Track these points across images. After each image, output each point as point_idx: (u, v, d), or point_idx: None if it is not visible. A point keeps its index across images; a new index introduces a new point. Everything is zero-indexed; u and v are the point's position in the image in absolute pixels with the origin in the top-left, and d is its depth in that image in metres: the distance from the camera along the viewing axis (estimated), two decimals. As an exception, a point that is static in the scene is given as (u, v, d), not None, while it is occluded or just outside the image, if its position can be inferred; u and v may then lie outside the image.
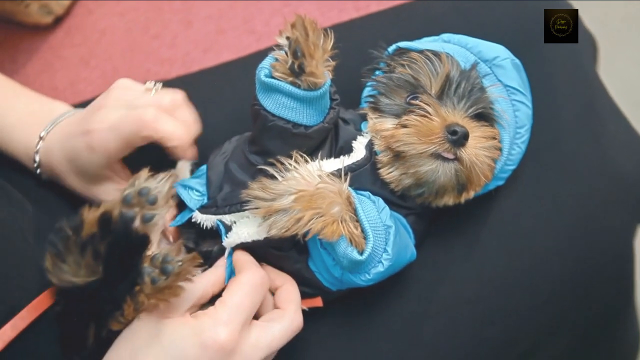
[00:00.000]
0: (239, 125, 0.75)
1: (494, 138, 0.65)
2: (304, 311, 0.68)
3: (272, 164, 0.64)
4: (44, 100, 0.79)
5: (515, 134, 0.68)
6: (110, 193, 0.75)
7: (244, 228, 0.65)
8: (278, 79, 0.64)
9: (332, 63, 0.65)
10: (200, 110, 0.77)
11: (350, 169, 0.65)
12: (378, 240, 0.62)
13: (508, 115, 0.67)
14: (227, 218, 0.67)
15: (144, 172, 0.64)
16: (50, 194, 0.78)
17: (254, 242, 0.65)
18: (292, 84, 0.63)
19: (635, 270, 0.83)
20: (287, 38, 0.63)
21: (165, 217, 0.66)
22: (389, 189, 0.67)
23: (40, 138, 0.74)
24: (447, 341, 0.71)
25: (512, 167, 0.69)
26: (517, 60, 0.69)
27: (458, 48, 0.69)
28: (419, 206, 0.68)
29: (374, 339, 0.71)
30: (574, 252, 0.72)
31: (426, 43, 0.71)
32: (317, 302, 0.69)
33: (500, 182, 0.69)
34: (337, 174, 0.64)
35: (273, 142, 0.65)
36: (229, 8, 0.96)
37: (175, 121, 0.73)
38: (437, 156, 0.63)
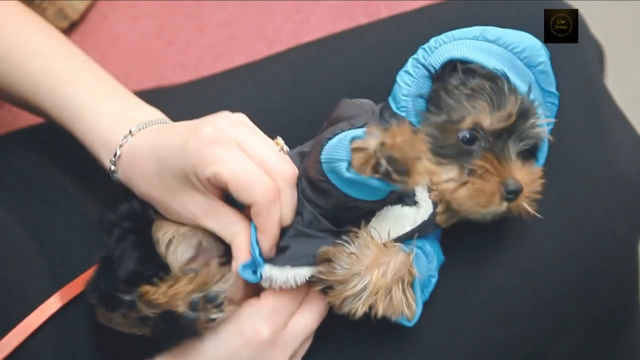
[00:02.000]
0: None
1: (540, 177, 0.65)
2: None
3: (341, 236, 0.62)
4: (139, 102, 0.73)
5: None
6: (194, 205, 0.64)
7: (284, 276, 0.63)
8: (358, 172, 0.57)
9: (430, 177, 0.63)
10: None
11: (419, 228, 0.64)
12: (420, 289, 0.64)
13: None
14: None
15: (214, 270, 0.63)
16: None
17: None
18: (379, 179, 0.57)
19: (638, 274, 0.84)
20: (383, 144, 0.55)
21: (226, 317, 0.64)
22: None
23: (130, 133, 0.67)
24: (451, 343, 0.71)
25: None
26: (548, 52, 0.69)
27: (507, 54, 0.66)
28: None
29: (378, 342, 0.72)
30: (577, 254, 0.73)
31: (473, 49, 0.66)
32: None
33: None
34: (403, 237, 0.63)
35: (350, 215, 0.62)
36: (242, 14, 0.98)
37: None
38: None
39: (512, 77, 0.64)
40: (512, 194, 0.62)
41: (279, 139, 0.66)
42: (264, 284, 0.62)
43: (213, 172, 0.60)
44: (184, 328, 0.61)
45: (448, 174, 0.64)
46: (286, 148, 0.66)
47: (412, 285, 0.62)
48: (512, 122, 0.63)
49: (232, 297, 0.62)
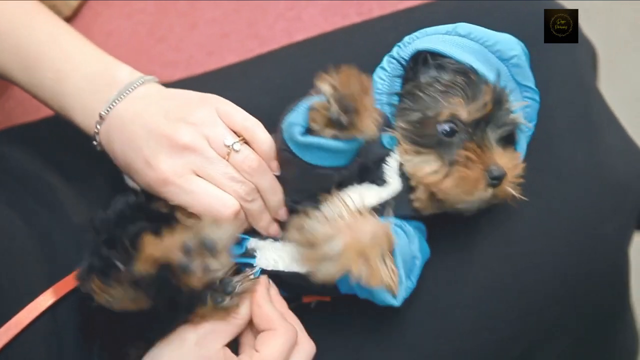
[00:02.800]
0: None
1: (519, 163, 0.66)
2: (310, 306, 0.69)
3: (308, 203, 0.64)
4: (108, 62, 0.73)
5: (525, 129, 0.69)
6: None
7: (271, 253, 0.66)
8: (315, 132, 0.62)
9: (379, 116, 0.63)
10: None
11: (388, 201, 0.66)
12: (405, 270, 0.63)
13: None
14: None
15: (208, 219, 0.62)
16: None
17: (289, 273, 0.65)
18: (334, 137, 0.61)
19: (630, 276, 0.83)
20: (334, 88, 0.60)
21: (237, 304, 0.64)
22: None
23: (101, 117, 0.69)
24: (440, 345, 0.71)
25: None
26: (527, 50, 0.70)
27: (478, 47, 0.68)
28: None
29: (366, 344, 0.72)
30: (566, 257, 0.73)
31: (445, 43, 0.68)
32: (325, 297, 0.69)
33: None
34: (378, 207, 0.64)
35: (313, 184, 0.65)
36: (234, 12, 0.98)
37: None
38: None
39: (483, 69, 0.66)
40: (496, 180, 0.63)
41: (227, 141, 0.67)
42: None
43: (176, 204, 0.66)
44: (181, 290, 0.57)
45: (431, 166, 0.65)
46: (237, 146, 0.67)
47: (392, 254, 0.61)
48: (489, 111, 0.64)
49: (228, 244, 0.60)
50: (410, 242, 0.64)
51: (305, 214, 0.61)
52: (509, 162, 0.64)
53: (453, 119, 0.64)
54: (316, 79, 0.61)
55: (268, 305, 0.65)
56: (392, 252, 0.61)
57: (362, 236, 0.59)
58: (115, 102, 0.69)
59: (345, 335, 0.73)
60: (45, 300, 0.65)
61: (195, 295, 0.60)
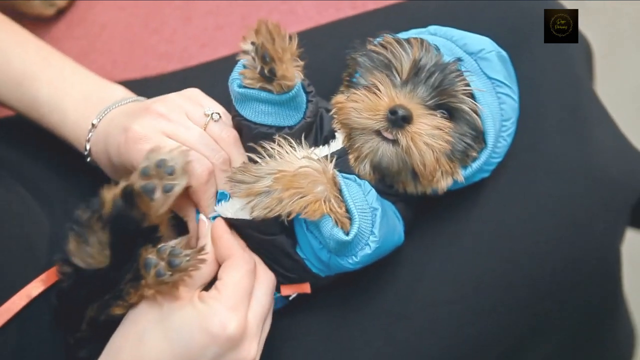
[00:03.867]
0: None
1: (441, 129, 0.65)
2: (290, 299, 0.69)
3: (255, 150, 0.66)
4: (101, 83, 0.77)
5: (501, 127, 0.68)
6: None
7: (231, 205, 0.67)
8: (249, 87, 0.65)
9: (301, 63, 0.66)
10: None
11: (336, 153, 0.66)
12: (364, 222, 0.62)
13: (493, 108, 0.67)
14: None
15: (158, 147, 0.64)
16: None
17: (239, 220, 0.66)
18: (264, 89, 0.65)
19: (621, 274, 0.83)
20: (253, 43, 0.64)
21: (182, 186, 0.65)
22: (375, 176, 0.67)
23: (93, 126, 0.72)
24: (425, 340, 0.71)
25: (498, 160, 0.70)
26: (504, 53, 0.70)
27: (444, 41, 0.69)
28: (404, 194, 0.68)
29: (351, 338, 0.72)
30: (554, 254, 0.73)
31: (412, 34, 0.71)
32: (305, 288, 0.69)
33: (486, 175, 0.70)
34: (322, 159, 0.64)
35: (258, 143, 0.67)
36: (228, 5, 0.97)
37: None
38: (378, 134, 0.65)
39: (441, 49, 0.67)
40: (395, 116, 0.63)
41: (207, 110, 0.70)
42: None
43: (143, 167, 0.65)
44: (142, 219, 0.59)
45: (344, 94, 0.68)
46: (216, 116, 0.70)
47: (341, 193, 0.62)
48: (422, 74, 0.65)
49: (184, 168, 0.63)
50: (365, 194, 0.64)
51: (252, 161, 0.64)
52: (428, 121, 0.65)
53: (390, 69, 0.67)
54: (241, 41, 0.65)
55: (227, 235, 0.66)
56: (339, 191, 0.62)
57: (294, 169, 0.60)
58: (107, 111, 0.72)
59: (331, 329, 0.73)
60: (35, 287, 0.66)
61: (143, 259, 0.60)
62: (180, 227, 0.71)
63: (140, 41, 0.98)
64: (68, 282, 0.64)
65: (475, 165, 0.68)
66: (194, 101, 0.71)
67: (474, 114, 0.66)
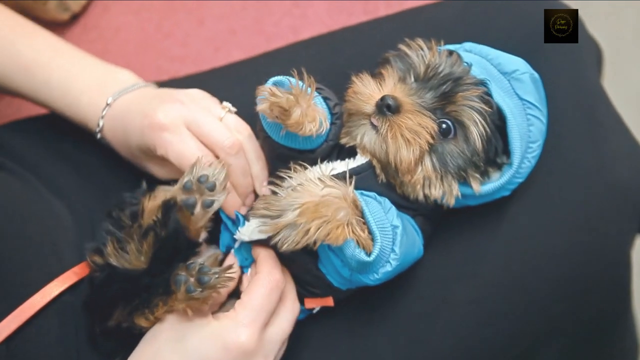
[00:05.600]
0: (248, 125, 0.77)
1: (423, 127, 0.66)
2: (313, 312, 0.70)
3: (271, 182, 0.67)
4: (111, 68, 0.80)
5: (527, 148, 0.68)
6: (156, 170, 0.77)
7: (247, 228, 0.68)
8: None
9: (322, 111, 0.66)
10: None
11: (354, 172, 0.67)
12: (385, 240, 0.63)
13: (522, 128, 0.67)
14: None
15: (200, 160, 0.66)
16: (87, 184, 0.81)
17: (260, 241, 0.67)
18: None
19: (631, 279, 0.84)
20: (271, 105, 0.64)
21: (221, 202, 0.67)
22: (395, 191, 0.68)
23: (107, 104, 0.75)
24: (445, 341, 0.72)
25: (520, 180, 0.69)
26: (537, 75, 0.70)
27: (478, 58, 0.70)
28: (424, 207, 0.69)
29: (373, 338, 0.73)
30: (570, 257, 0.73)
31: (447, 48, 0.71)
32: (329, 301, 0.70)
33: (506, 193, 0.70)
34: (341, 176, 0.65)
35: (282, 164, 0.68)
36: (241, 8, 0.98)
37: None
38: (368, 119, 0.67)
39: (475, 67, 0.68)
40: (384, 105, 0.65)
41: (225, 103, 0.74)
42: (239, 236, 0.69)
43: (161, 154, 0.70)
44: (183, 231, 0.61)
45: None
46: (233, 109, 0.74)
47: (363, 215, 0.63)
48: (434, 80, 0.67)
49: (224, 184, 0.65)
50: (386, 212, 0.65)
51: (271, 192, 0.65)
52: (415, 117, 0.65)
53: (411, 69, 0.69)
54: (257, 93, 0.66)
55: (264, 252, 0.68)
56: (361, 213, 0.63)
57: (317, 199, 0.61)
58: (124, 93, 0.76)
59: (352, 327, 0.73)
60: (57, 285, 0.67)
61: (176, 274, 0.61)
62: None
63: (153, 45, 1.00)
64: (101, 274, 0.65)
65: (497, 183, 0.68)
66: (207, 98, 0.75)
67: (476, 135, 0.66)
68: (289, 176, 0.65)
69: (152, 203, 0.63)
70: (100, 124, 0.76)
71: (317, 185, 0.63)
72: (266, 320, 0.65)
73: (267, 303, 0.65)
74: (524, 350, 0.76)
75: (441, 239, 0.73)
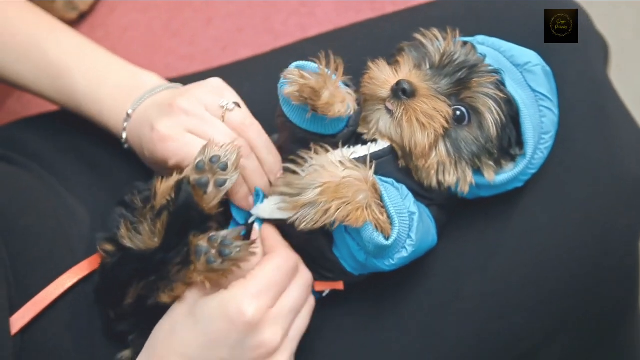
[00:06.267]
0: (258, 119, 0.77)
1: (438, 112, 0.66)
2: (322, 295, 0.70)
3: (293, 161, 0.67)
4: (134, 71, 0.79)
5: (540, 139, 0.69)
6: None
7: (267, 205, 0.68)
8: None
9: (351, 92, 0.67)
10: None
11: (375, 156, 0.67)
12: (403, 226, 0.63)
13: (535, 120, 0.68)
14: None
15: (212, 142, 0.66)
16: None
17: (277, 220, 0.67)
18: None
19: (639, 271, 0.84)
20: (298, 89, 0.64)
21: (233, 181, 0.67)
22: (413, 179, 0.68)
23: (128, 115, 0.75)
24: (457, 333, 0.72)
25: (533, 171, 0.70)
26: (548, 68, 0.71)
27: (491, 51, 0.70)
28: (439, 196, 0.69)
29: (386, 328, 0.73)
30: (580, 250, 0.74)
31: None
32: (339, 285, 0.70)
33: (519, 184, 0.71)
34: (361, 160, 0.66)
35: (302, 147, 0.68)
36: (248, 7, 0.99)
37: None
38: (383, 103, 0.67)
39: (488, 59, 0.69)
40: (399, 89, 0.65)
41: (221, 102, 0.72)
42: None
43: (175, 163, 0.69)
44: (188, 209, 0.62)
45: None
46: (231, 106, 0.72)
47: (381, 199, 0.63)
48: (449, 68, 0.67)
49: (236, 163, 0.65)
50: (403, 199, 0.65)
51: (291, 171, 0.65)
52: (431, 102, 0.66)
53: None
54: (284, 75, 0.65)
55: (274, 234, 0.67)
56: (380, 197, 0.63)
57: (338, 180, 0.61)
58: (142, 101, 0.75)
59: (364, 319, 0.74)
60: (70, 276, 0.68)
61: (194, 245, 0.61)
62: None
63: (161, 43, 1.00)
64: (112, 259, 0.65)
65: (511, 173, 0.68)
66: (215, 92, 0.73)
67: (490, 122, 0.67)
68: (310, 157, 0.66)
69: (164, 185, 0.64)
70: (124, 136, 0.76)
71: (338, 167, 0.63)
72: (276, 296, 0.64)
73: (280, 281, 0.64)
74: (534, 343, 0.76)
75: (453, 232, 0.73)
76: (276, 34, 0.97)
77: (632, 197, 0.76)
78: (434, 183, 0.68)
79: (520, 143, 0.69)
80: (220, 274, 0.62)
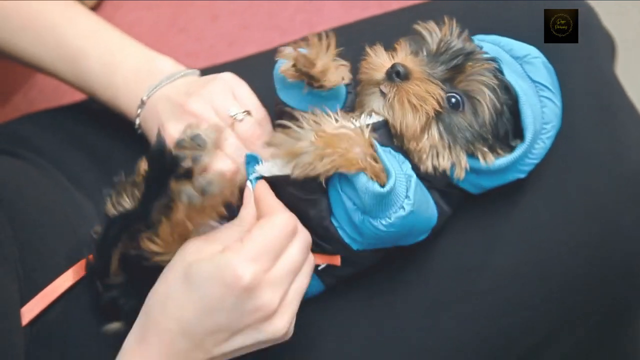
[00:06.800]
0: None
1: (430, 94, 0.66)
2: (318, 269, 0.69)
3: (292, 118, 0.67)
4: (151, 56, 0.79)
5: (541, 129, 0.68)
6: None
7: (265, 165, 0.69)
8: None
9: (345, 63, 0.68)
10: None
11: (372, 127, 0.67)
12: (400, 184, 0.63)
13: (535, 108, 0.68)
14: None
15: (195, 123, 0.66)
16: None
17: (278, 177, 0.67)
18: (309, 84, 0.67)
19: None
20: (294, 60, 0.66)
21: (210, 159, 0.65)
22: (408, 157, 0.68)
23: (142, 102, 0.75)
24: (463, 330, 0.72)
25: (535, 161, 0.69)
26: (550, 65, 0.71)
27: (491, 45, 0.71)
28: (437, 181, 0.69)
29: (393, 326, 0.73)
30: (585, 246, 0.74)
31: None
32: (335, 260, 0.68)
33: (522, 175, 0.70)
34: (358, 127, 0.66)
35: None
36: (254, 3, 0.99)
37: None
38: (378, 87, 0.68)
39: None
40: (393, 71, 0.66)
41: (231, 111, 0.72)
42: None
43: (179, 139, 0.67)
44: (177, 172, 0.62)
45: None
46: (240, 116, 0.72)
47: (376, 152, 0.63)
48: (445, 55, 0.68)
49: (217, 142, 0.66)
50: (400, 164, 0.65)
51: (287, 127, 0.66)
52: (424, 84, 0.66)
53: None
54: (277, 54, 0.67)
55: (270, 196, 0.66)
56: (375, 152, 0.63)
57: (337, 133, 0.62)
58: (157, 89, 0.75)
59: (374, 316, 0.74)
60: (77, 270, 0.68)
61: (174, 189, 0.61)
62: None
63: (167, 40, 1.00)
64: (101, 231, 0.65)
65: (510, 157, 0.68)
66: (228, 90, 0.73)
67: (485, 107, 0.67)
68: (304, 116, 0.66)
69: (145, 163, 0.64)
70: (137, 122, 0.76)
71: (332, 122, 0.64)
72: (274, 258, 0.61)
73: (278, 244, 0.61)
74: (540, 339, 0.76)
75: (459, 228, 0.73)
76: (282, 31, 0.97)
77: (638, 193, 0.76)
78: (430, 168, 0.67)
79: (520, 136, 0.68)
80: (200, 212, 0.61)
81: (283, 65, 0.66)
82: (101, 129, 0.81)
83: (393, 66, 0.66)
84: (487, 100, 0.67)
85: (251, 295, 0.59)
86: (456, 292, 0.72)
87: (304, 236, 0.64)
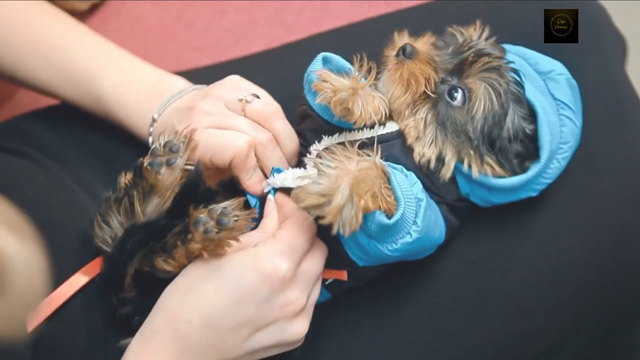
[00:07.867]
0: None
1: (423, 74, 0.67)
2: (325, 283, 0.69)
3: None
4: (160, 75, 0.79)
5: (558, 148, 0.67)
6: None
7: (283, 176, 0.69)
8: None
9: (382, 97, 0.67)
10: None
11: (382, 139, 0.67)
12: (409, 210, 0.62)
13: (553, 127, 0.67)
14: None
15: (168, 132, 0.68)
16: None
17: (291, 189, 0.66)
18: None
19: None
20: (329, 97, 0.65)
21: (185, 160, 0.68)
22: (421, 170, 0.67)
23: (154, 120, 0.75)
24: (473, 334, 0.72)
25: (548, 181, 0.68)
26: (574, 81, 0.70)
27: (515, 57, 0.70)
28: (449, 194, 0.68)
29: (400, 330, 0.73)
30: (598, 250, 0.73)
31: None
32: (342, 275, 0.69)
33: (534, 194, 0.68)
34: (369, 142, 0.66)
35: (315, 136, 0.69)
36: (262, -1, 0.99)
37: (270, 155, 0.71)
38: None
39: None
40: (404, 52, 0.67)
41: (239, 95, 0.72)
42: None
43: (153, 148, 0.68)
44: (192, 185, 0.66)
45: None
46: (250, 98, 0.72)
47: (388, 181, 0.63)
48: (466, 54, 0.68)
49: (189, 145, 0.68)
50: (411, 185, 0.64)
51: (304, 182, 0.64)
52: (422, 66, 0.67)
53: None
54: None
55: (290, 202, 0.66)
56: (387, 179, 0.63)
57: (359, 175, 0.61)
58: (167, 105, 0.75)
59: (382, 319, 0.73)
60: (83, 274, 0.67)
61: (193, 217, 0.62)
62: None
63: (174, 35, 1.00)
64: (112, 246, 0.66)
65: (524, 177, 0.66)
66: (235, 90, 0.73)
67: (481, 106, 0.66)
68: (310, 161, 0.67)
69: (124, 177, 0.67)
70: (150, 140, 0.76)
71: (349, 160, 0.62)
72: (302, 257, 0.63)
73: (304, 243, 0.64)
74: (550, 344, 0.76)
75: (471, 234, 0.73)
76: (289, 27, 0.97)
77: None
78: (419, 155, 0.67)
79: (535, 156, 0.67)
80: (217, 244, 0.61)
81: (319, 98, 0.65)
82: (105, 126, 0.80)
83: (404, 45, 0.67)
84: (485, 100, 0.66)
85: (285, 287, 0.61)
86: (468, 297, 0.72)
87: (322, 246, 0.66)
